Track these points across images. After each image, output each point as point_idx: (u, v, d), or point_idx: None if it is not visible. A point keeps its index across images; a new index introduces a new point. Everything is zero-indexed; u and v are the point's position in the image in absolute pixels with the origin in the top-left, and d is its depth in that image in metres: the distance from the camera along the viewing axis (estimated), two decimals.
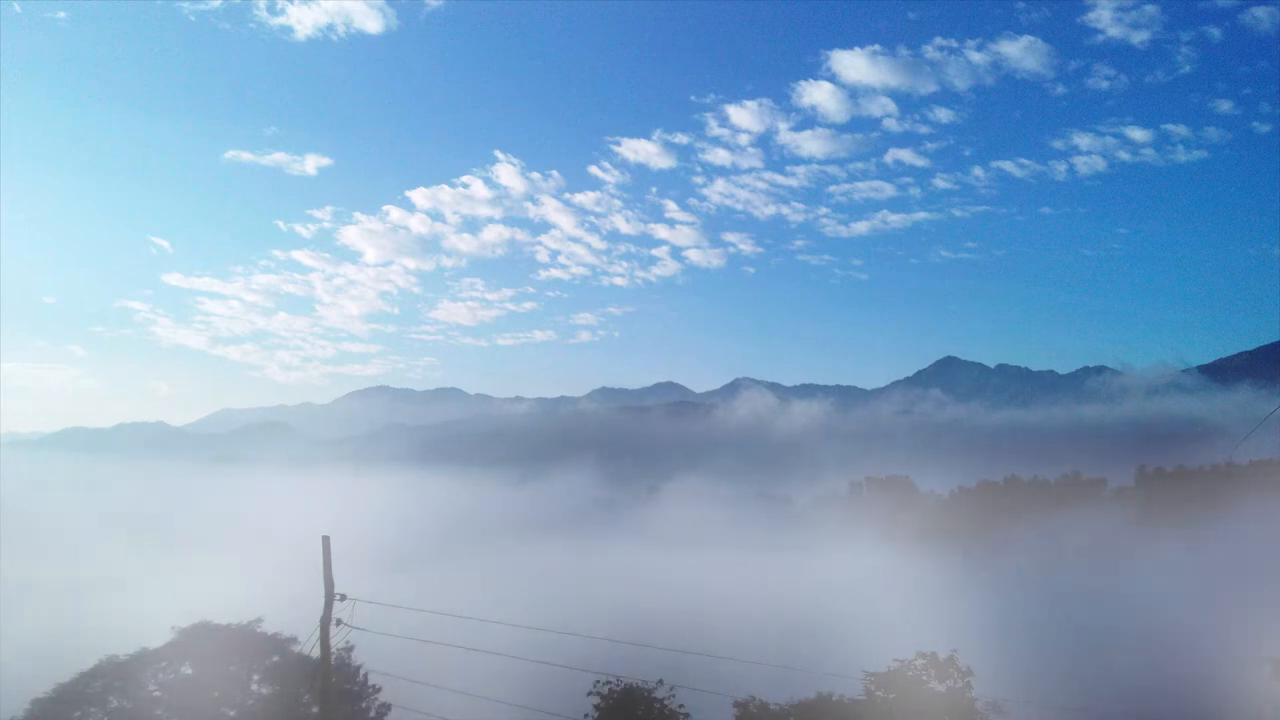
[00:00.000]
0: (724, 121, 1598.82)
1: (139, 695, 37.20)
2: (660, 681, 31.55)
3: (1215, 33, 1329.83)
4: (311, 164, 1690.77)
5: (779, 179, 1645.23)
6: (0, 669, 56.20)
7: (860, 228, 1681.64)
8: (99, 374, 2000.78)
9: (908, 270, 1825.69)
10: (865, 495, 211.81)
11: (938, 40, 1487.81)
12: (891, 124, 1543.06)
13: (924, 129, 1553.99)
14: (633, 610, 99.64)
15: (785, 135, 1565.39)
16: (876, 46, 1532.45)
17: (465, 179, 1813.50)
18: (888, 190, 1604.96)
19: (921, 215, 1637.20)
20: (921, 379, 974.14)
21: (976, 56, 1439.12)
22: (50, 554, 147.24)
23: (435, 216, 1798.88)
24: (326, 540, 23.98)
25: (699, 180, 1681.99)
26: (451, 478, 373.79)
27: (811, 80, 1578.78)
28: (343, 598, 24.12)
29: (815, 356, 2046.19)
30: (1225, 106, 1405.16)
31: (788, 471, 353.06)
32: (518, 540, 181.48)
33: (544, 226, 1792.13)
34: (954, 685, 29.57)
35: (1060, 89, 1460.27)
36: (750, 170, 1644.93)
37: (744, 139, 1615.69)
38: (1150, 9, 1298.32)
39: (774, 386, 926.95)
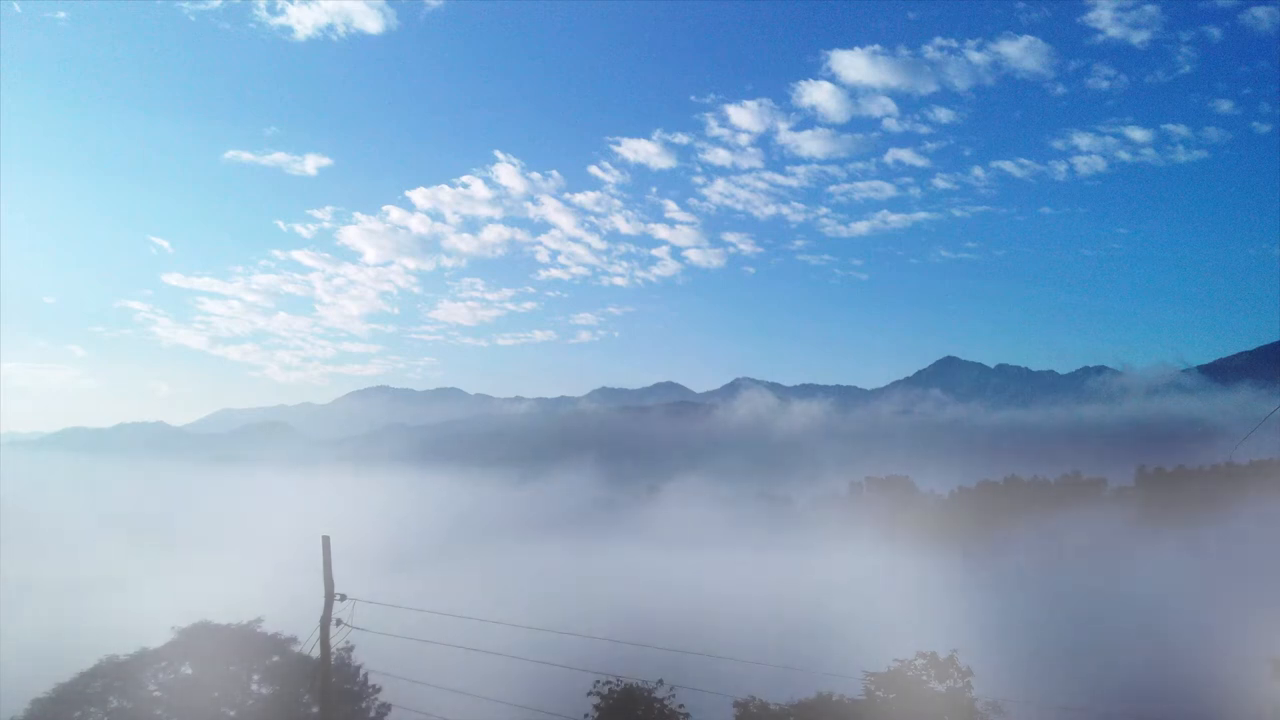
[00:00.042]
0: (724, 121, 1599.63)
1: (139, 695, 37.20)
2: (660, 681, 31.55)
3: (1215, 33, 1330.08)
4: (311, 164, 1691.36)
5: (779, 179, 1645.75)
6: (0, 669, 56.19)
7: (860, 228, 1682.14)
8: (99, 374, 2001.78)
9: (908, 270, 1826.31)
10: (865, 495, 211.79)
11: (938, 40, 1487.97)
12: (891, 124, 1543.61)
13: (924, 129, 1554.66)
14: (633, 610, 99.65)
15: (785, 135, 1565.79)
16: (876, 46, 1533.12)
17: (465, 179, 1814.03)
18: (888, 190, 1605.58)
19: (921, 215, 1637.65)
20: (921, 379, 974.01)
21: (976, 56, 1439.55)
22: (50, 554, 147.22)
23: (435, 216, 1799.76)
24: (326, 540, 23.98)
25: (699, 180, 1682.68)
26: (451, 478, 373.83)
27: (811, 80, 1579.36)
28: (343, 598, 24.12)
29: (815, 356, 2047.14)
30: (1225, 106, 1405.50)
31: (788, 471, 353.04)
32: (518, 540, 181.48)
33: (544, 226, 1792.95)
34: (954, 685, 29.57)
35: (1060, 89, 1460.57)
36: (750, 170, 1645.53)
37: (744, 139, 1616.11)
38: (1150, 9, 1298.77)
39: (774, 386, 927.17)
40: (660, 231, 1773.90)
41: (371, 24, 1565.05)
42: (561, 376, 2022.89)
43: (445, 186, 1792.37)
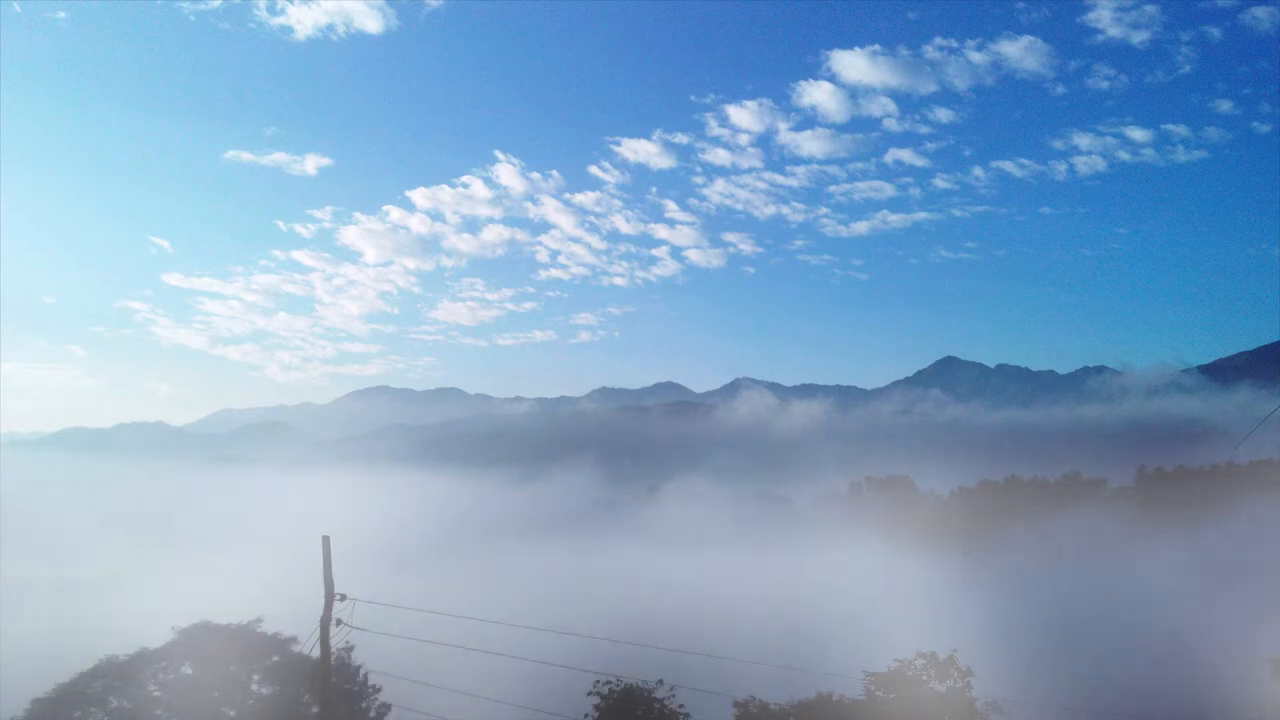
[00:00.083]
0: (724, 121, 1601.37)
1: (139, 695, 37.21)
2: (660, 681, 31.55)
3: (1215, 33, 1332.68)
4: (311, 164, 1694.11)
5: (779, 179, 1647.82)
6: (0, 669, 56.14)
7: (860, 228, 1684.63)
8: (99, 374, 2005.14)
9: (908, 270, 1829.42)
10: (865, 495, 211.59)
11: (938, 40, 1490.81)
12: (891, 124, 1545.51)
13: (924, 129, 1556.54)
14: (633, 610, 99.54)
15: (785, 135, 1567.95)
16: (876, 46, 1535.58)
17: (465, 179, 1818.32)
18: (888, 190, 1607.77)
19: (921, 215, 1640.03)
20: (921, 379, 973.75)
21: (976, 56, 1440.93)
22: (50, 554, 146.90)
23: (435, 216, 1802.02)
24: (326, 540, 23.97)
25: (699, 180, 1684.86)
26: (451, 478, 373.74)
27: (811, 80, 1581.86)
28: (343, 598, 24.12)
29: (815, 356, 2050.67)
30: (1225, 106, 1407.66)
31: (788, 471, 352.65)
32: (518, 540, 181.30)
33: (544, 226, 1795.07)
34: (954, 685, 29.57)
35: (1060, 89, 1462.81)
36: (750, 170, 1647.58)
37: (744, 139, 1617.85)
38: (1150, 9, 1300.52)
39: (774, 386, 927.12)
40: (660, 231, 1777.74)
41: (371, 24, 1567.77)
42: (561, 376, 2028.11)
43: (445, 186, 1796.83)
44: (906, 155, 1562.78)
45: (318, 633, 24.11)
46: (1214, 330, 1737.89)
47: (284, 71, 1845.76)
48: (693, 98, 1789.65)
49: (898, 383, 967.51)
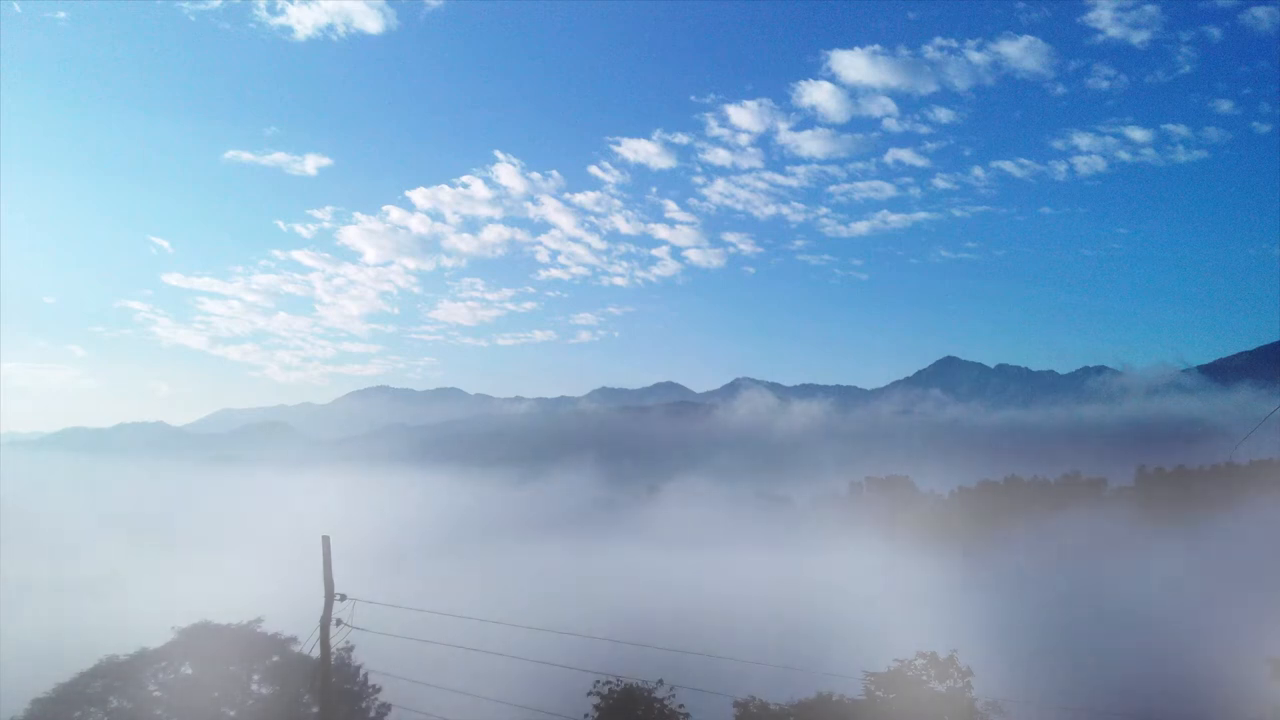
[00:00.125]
0: (724, 121, 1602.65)
1: (139, 695, 37.21)
2: (660, 681, 31.56)
3: (1215, 33, 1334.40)
4: (311, 164, 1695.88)
5: (779, 179, 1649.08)
6: (0, 669, 56.13)
7: (860, 228, 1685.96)
8: (99, 374, 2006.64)
9: (908, 270, 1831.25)
10: (865, 495, 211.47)
11: (938, 40, 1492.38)
12: (891, 124, 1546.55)
13: (924, 129, 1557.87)
14: (633, 610, 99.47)
15: (785, 135, 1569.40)
16: (876, 46, 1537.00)
17: (465, 179, 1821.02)
18: (888, 190, 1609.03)
19: (921, 215, 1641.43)
20: (921, 379, 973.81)
21: (976, 56, 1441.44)
22: (50, 554, 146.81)
23: (435, 216, 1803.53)
24: (326, 540, 23.98)
25: (699, 180, 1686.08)
26: (451, 478, 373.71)
27: (811, 80, 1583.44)
28: (343, 598, 24.12)
29: (815, 356, 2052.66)
30: (1225, 106, 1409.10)
31: (788, 471, 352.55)
32: (518, 540, 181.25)
33: (544, 226, 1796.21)
34: (954, 685, 29.58)
35: (1060, 89, 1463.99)
36: (750, 170, 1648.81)
37: (744, 139, 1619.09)
38: (1150, 9, 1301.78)
39: (774, 386, 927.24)
40: (660, 231, 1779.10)
41: (371, 24, 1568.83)
42: (561, 376, 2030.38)
43: (445, 186, 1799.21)
44: (906, 155, 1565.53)
45: (318, 633, 24.11)
46: (1214, 330, 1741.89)
47: (284, 71, 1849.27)
48: (693, 98, 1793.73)
49: (898, 383, 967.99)
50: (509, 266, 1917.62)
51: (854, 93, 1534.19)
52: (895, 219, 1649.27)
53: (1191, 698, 59.84)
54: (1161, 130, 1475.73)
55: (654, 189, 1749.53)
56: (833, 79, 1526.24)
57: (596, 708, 31.25)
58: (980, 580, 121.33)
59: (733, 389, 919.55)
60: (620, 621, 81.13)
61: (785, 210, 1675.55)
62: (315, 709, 36.06)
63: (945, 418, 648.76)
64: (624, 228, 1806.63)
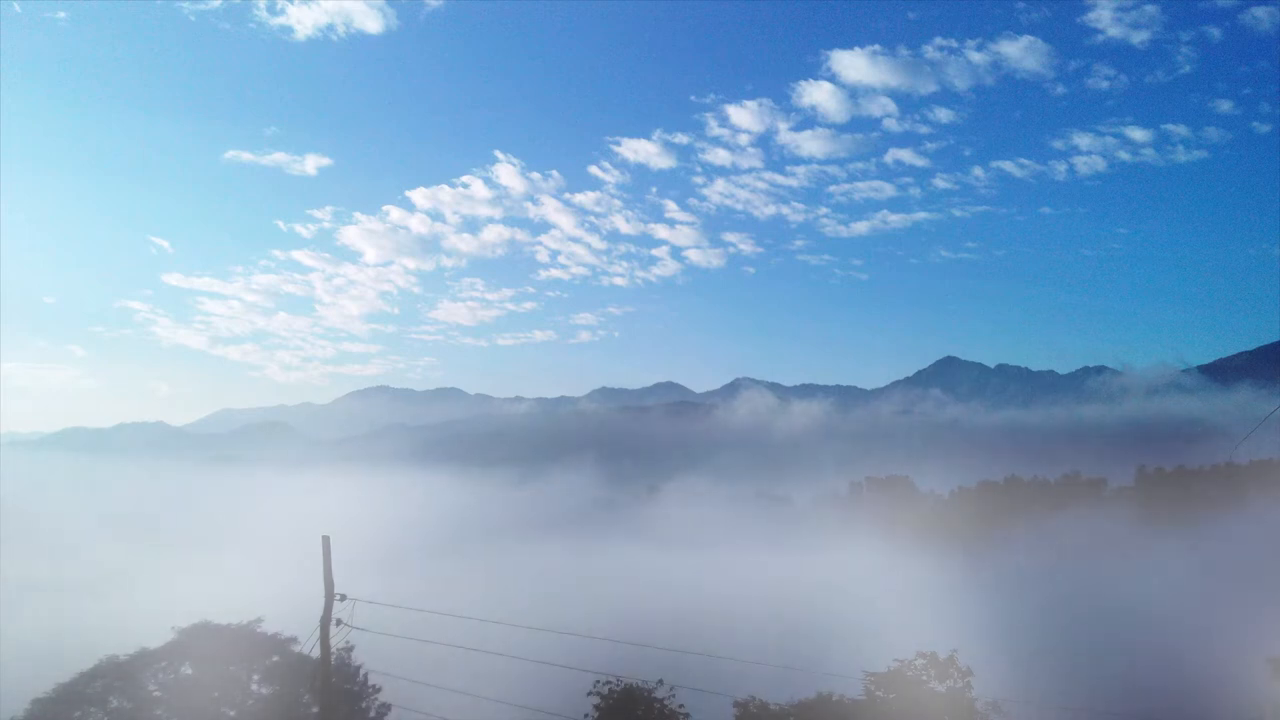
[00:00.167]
0: (724, 121, 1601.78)
1: (139, 695, 37.20)
2: (660, 681, 31.52)
3: (1215, 33, 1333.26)
4: (311, 164, 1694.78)
5: (779, 179, 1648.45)
6: (0, 669, 56.15)
7: (860, 228, 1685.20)
8: (99, 374, 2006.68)
9: (908, 270, 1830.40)
10: (865, 495, 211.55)
11: (938, 40, 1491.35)
12: (891, 124, 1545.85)
13: (924, 129, 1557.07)
14: (633, 610, 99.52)
15: (785, 135, 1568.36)
16: (876, 46, 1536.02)
17: (465, 179, 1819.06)
18: (888, 190, 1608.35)
19: (921, 215, 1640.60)
20: (921, 379, 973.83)
21: (976, 56, 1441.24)
22: (50, 554, 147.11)
23: (435, 216, 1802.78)
24: (326, 540, 23.97)
25: (699, 180, 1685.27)
26: (451, 478, 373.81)
27: (811, 80, 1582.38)
28: (343, 598, 24.11)
29: (815, 356, 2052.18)
30: (1225, 106, 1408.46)
31: (788, 471, 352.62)
32: (518, 540, 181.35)
33: (544, 226, 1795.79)
34: (954, 685, 29.56)
35: (1060, 89, 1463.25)
36: (750, 170, 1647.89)
37: (744, 139, 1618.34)
38: (1150, 9, 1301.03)
39: (774, 386, 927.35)
40: (660, 231, 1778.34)
41: (371, 24, 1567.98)
42: (561, 376, 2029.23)
43: (445, 186, 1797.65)
44: (906, 155, 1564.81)
45: (318, 633, 24.11)
46: (1214, 330, 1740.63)
47: (284, 71, 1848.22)
48: (693, 98, 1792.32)
49: (898, 383, 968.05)
50: (509, 266, 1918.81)
51: (854, 93, 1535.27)
52: (895, 219, 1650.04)
53: (1192, 697, 59.86)
54: (1161, 130, 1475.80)
55: (654, 189, 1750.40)
56: (833, 79, 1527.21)
57: (596, 708, 31.23)
58: (980, 580, 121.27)
59: (733, 389, 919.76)
60: (620, 621, 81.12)
61: (785, 210, 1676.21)
62: (315, 709, 36.05)
63: (945, 418, 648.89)
64: (624, 228, 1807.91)
